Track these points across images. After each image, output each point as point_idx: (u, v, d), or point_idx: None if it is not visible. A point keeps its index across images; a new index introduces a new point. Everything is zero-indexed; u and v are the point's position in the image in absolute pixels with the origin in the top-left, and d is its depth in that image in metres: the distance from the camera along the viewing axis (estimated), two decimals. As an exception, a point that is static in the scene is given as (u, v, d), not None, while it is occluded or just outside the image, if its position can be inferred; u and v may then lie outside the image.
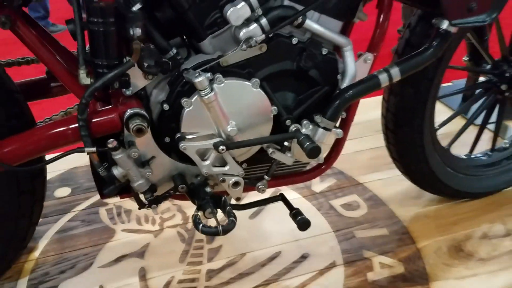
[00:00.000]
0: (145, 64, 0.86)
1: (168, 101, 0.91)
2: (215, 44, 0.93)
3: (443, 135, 1.45)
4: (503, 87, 1.36)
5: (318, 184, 1.62)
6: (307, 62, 0.96)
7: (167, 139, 0.94)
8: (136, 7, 0.83)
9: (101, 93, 0.91)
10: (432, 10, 0.93)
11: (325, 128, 0.98)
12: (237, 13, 0.87)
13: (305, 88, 1.00)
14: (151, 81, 0.91)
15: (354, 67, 1.00)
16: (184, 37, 0.95)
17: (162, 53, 0.88)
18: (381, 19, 1.04)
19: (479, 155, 1.53)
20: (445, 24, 0.92)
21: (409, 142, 1.31)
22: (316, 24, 0.94)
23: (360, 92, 0.97)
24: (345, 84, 1.00)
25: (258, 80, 0.92)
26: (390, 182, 1.59)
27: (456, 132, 1.46)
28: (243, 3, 0.87)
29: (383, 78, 0.97)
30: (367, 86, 0.97)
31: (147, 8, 0.85)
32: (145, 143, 0.90)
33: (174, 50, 0.89)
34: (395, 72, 0.96)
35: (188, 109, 0.89)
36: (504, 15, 1.30)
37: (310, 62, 0.97)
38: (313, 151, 0.90)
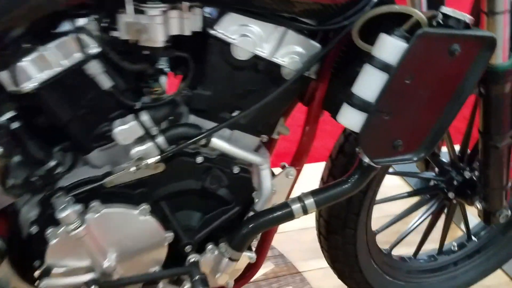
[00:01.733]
0: (9, 183, 0.73)
1: (37, 223, 0.78)
2: (104, 158, 0.81)
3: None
4: (450, 195, 1.26)
5: (254, 269, 1.50)
6: (214, 182, 0.85)
7: (38, 263, 0.81)
8: (4, 116, 0.71)
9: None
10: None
11: (230, 259, 0.86)
12: (125, 133, 0.75)
13: (213, 207, 0.88)
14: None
15: (269, 187, 0.89)
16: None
17: (38, 166, 0.76)
18: (306, 132, 0.94)
19: (424, 257, 1.43)
20: (366, 159, 0.81)
21: (342, 251, 1.20)
22: (226, 142, 0.83)
23: (270, 222, 0.86)
24: (259, 205, 0.89)
25: (147, 207, 0.80)
26: (331, 273, 1.47)
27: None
28: (133, 122, 0.76)
29: (297, 209, 0.85)
30: (278, 217, 0.85)
31: (24, 113, 0.74)
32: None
33: (52, 163, 0.76)
34: (310, 204, 0.85)
35: (53, 242, 0.76)
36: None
37: (218, 182, 0.85)
38: None
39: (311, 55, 0.81)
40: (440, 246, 1.42)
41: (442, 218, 1.38)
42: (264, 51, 0.79)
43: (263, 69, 0.81)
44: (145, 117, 0.76)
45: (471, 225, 1.42)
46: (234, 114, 0.83)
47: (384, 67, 0.72)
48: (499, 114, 0.97)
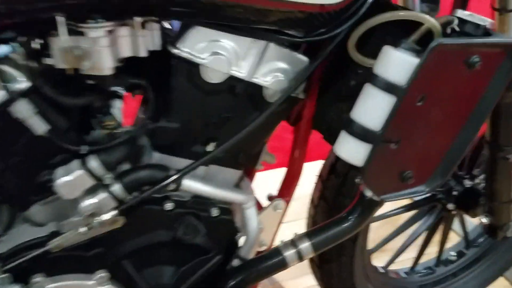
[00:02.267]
0: None
1: None
2: (48, 213, 0.65)
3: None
4: (450, 206, 1.15)
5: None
6: (189, 231, 0.70)
7: None
8: None
9: None
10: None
11: None
12: (69, 186, 0.60)
13: (189, 259, 0.73)
14: None
15: (256, 228, 0.75)
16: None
17: None
18: (294, 156, 0.80)
19: (422, 270, 1.32)
20: (369, 193, 0.68)
21: (337, 279, 1.07)
22: (200, 182, 0.68)
23: (259, 275, 0.72)
24: (244, 250, 0.75)
25: (105, 274, 0.65)
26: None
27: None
28: (80, 172, 0.60)
29: (291, 256, 0.71)
30: (268, 268, 0.71)
31: None
32: None
33: None
34: (306, 248, 0.71)
35: None
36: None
37: (194, 230, 0.70)
38: None
39: (298, 71, 0.67)
40: (437, 259, 1.32)
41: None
42: (241, 71, 0.64)
43: (242, 92, 0.66)
44: (94, 163, 0.61)
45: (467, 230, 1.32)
46: (209, 147, 0.69)
47: (390, 88, 0.58)
48: (510, 123, 0.86)
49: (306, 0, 0.58)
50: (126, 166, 0.67)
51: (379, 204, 0.70)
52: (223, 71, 0.63)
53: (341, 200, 0.95)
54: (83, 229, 0.61)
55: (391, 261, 1.23)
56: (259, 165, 0.77)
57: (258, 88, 0.66)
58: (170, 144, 0.67)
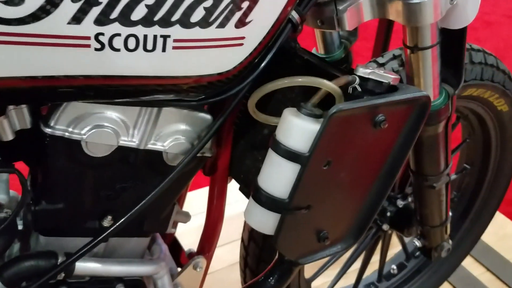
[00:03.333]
0: None
1: None
2: None
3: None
4: (385, 227, 1.13)
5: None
6: None
7: None
8: None
9: None
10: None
11: None
12: None
13: None
14: None
15: (170, 297, 0.69)
16: None
17: None
18: (212, 209, 0.75)
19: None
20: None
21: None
22: (98, 262, 0.61)
23: None
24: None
25: None
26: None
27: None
28: None
29: None
30: None
31: None
32: None
33: None
34: None
35: None
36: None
37: None
38: None
39: (201, 130, 0.61)
40: (379, 273, 1.31)
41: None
42: (133, 141, 0.57)
43: (137, 160, 0.60)
44: None
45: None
46: (106, 221, 0.62)
47: (293, 156, 0.53)
48: (434, 155, 0.83)
49: (196, 73, 0.52)
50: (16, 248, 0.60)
51: (299, 265, 0.66)
52: (109, 144, 0.56)
53: (271, 243, 0.91)
54: None
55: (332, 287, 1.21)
56: (170, 228, 0.71)
57: (156, 153, 0.60)
58: (58, 226, 0.60)
